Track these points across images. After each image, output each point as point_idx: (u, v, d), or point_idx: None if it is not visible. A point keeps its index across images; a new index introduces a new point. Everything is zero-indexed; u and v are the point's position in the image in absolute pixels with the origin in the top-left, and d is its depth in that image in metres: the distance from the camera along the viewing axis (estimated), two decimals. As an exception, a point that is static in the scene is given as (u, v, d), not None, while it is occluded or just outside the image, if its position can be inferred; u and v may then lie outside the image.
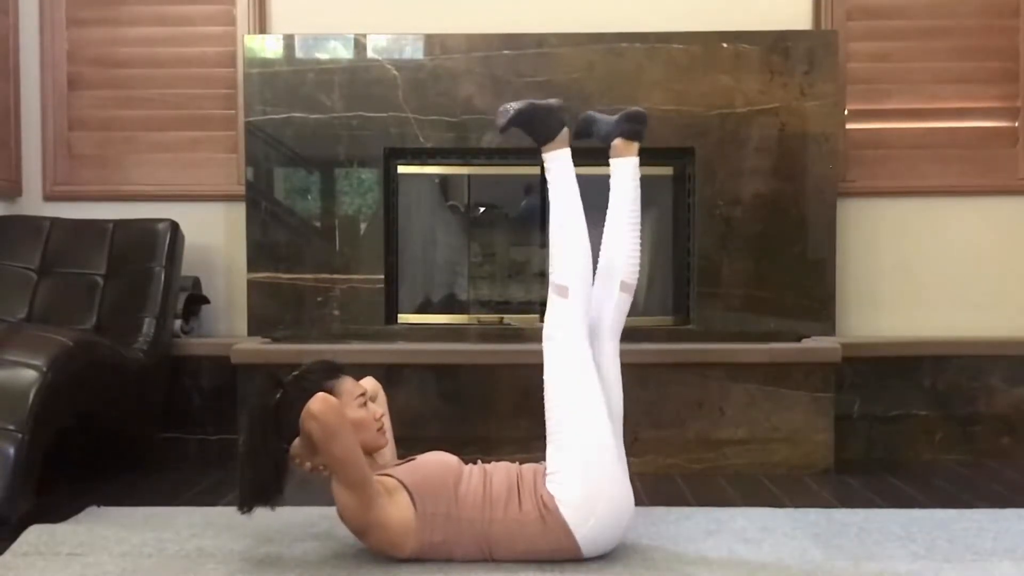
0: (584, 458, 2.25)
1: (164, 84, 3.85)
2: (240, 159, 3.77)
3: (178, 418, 3.47)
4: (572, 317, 2.35)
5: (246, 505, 2.19)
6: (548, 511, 2.22)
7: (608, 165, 2.62)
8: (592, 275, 2.44)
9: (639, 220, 2.57)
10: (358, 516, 2.18)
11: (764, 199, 3.61)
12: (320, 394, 2.12)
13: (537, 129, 2.43)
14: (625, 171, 2.58)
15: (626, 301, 2.52)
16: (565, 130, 2.44)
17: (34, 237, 3.55)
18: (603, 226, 2.57)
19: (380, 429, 2.33)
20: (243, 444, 2.26)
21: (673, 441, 3.30)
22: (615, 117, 2.61)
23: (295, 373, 2.26)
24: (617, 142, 2.59)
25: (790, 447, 3.29)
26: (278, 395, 2.20)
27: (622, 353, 2.49)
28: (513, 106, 2.42)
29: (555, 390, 2.32)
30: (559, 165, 2.43)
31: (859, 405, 3.55)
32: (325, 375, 2.27)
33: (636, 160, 2.59)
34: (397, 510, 2.19)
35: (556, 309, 2.37)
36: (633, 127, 2.58)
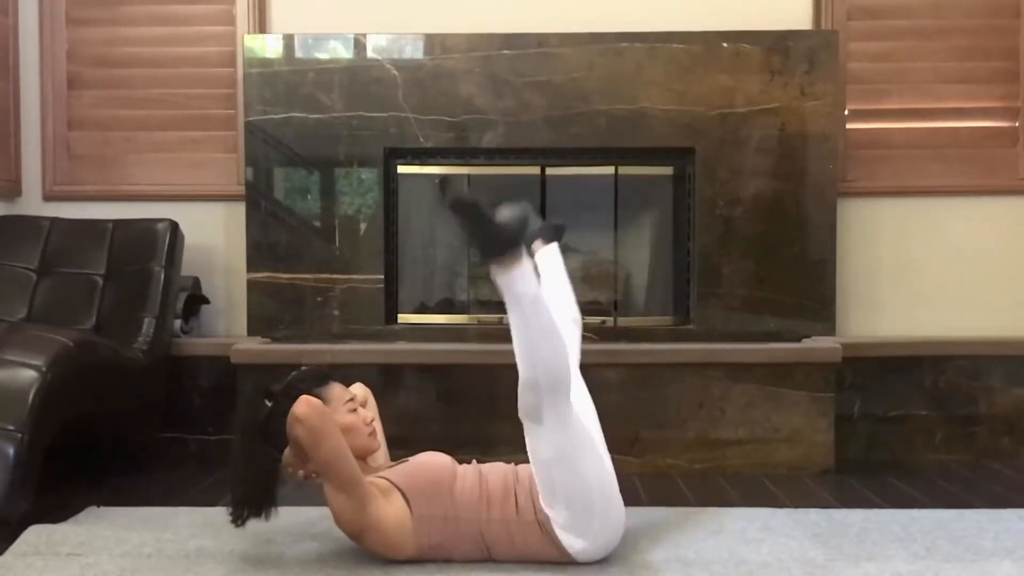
0: (578, 495, 2.19)
1: (164, 84, 3.84)
2: (240, 159, 3.77)
3: (178, 418, 3.47)
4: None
5: (239, 517, 2.20)
6: (542, 526, 2.21)
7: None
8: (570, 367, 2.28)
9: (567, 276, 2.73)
10: (353, 519, 2.18)
11: (764, 199, 3.61)
12: (303, 397, 2.13)
13: (482, 241, 2.12)
14: (549, 255, 2.74)
15: (578, 332, 2.64)
16: (522, 251, 2.15)
17: (34, 237, 3.55)
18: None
19: (371, 433, 2.33)
20: (234, 456, 2.27)
21: (673, 441, 3.30)
22: (539, 225, 2.77)
23: (284, 383, 2.27)
24: (537, 243, 2.74)
25: (790, 447, 3.29)
26: (268, 406, 2.21)
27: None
28: (509, 215, 2.19)
29: (547, 460, 2.20)
30: (521, 287, 2.14)
31: (859, 405, 3.55)
32: (313, 383, 2.28)
33: (556, 245, 2.77)
34: (393, 511, 2.19)
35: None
36: (552, 234, 2.77)
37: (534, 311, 2.15)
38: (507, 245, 2.11)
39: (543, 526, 2.21)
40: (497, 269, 2.13)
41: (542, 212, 3.63)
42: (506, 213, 2.20)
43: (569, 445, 2.19)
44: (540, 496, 2.23)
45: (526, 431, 2.23)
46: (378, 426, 2.43)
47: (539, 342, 2.16)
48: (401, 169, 3.72)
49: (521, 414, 2.21)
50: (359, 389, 2.47)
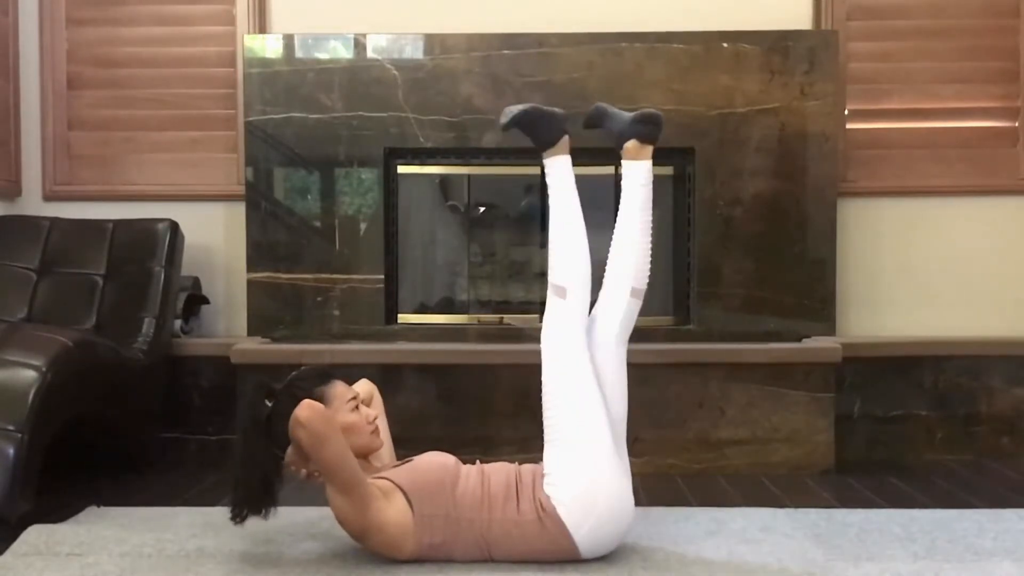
0: (581, 459, 2.25)
1: (164, 84, 3.85)
2: (240, 159, 3.77)
3: (178, 418, 3.47)
4: (570, 318, 2.37)
5: (239, 515, 2.20)
6: (546, 513, 2.22)
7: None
8: (591, 277, 2.42)
9: (651, 225, 2.49)
10: (355, 520, 2.18)
11: (764, 199, 3.61)
12: (306, 400, 2.13)
13: (539, 134, 2.45)
14: (638, 176, 2.48)
15: (635, 307, 2.46)
16: (566, 138, 2.46)
17: (34, 237, 3.55)
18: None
19: (374, 432, 2.33)
20: (236, 454, 2.27)
21: (673, 441, 3.30)
22: (630, 116, 2.51)
23: (286, 381, 2.27)
24: (631, 144, 2.50)
25: (790, 447, 3.29)
26: (270, 405, 2.21)
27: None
28: (517, 107, 2.44)
29: (553, 391, 2.32)
30: (559, 170, 2.45)
31: (859, 405, 3.55)
32: (316, 381, 2.28)
33: (649, 164, 2.49)
34: (394, 512, 2.19)
35: (554, 310, 2.38)
36: (649, 129, 2.48)
37: (563, 204, 2.42)
38: (557, 133, 2.45)
39: (546, 517, 2.21)
40: (546, 154, 2.47)
41: (543, 211, 3.65)
42: (555, 110, 2.48)
43: (576, 378, 2.32)
44: (546, 468, 2.26)
45: (543, 363, 2.37)
46: (382, 424, 2.43)
47: (554, 242, 2.42)
48: (401, 169, 3.72)
49: (542, 333, 2.40)
50: (364, 386, 2.47)
